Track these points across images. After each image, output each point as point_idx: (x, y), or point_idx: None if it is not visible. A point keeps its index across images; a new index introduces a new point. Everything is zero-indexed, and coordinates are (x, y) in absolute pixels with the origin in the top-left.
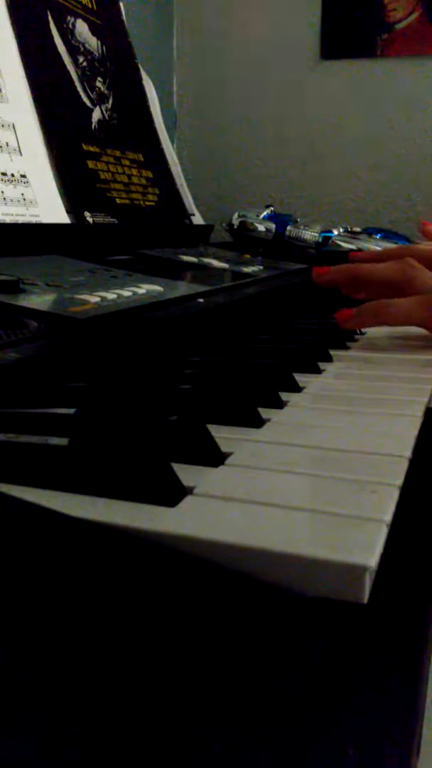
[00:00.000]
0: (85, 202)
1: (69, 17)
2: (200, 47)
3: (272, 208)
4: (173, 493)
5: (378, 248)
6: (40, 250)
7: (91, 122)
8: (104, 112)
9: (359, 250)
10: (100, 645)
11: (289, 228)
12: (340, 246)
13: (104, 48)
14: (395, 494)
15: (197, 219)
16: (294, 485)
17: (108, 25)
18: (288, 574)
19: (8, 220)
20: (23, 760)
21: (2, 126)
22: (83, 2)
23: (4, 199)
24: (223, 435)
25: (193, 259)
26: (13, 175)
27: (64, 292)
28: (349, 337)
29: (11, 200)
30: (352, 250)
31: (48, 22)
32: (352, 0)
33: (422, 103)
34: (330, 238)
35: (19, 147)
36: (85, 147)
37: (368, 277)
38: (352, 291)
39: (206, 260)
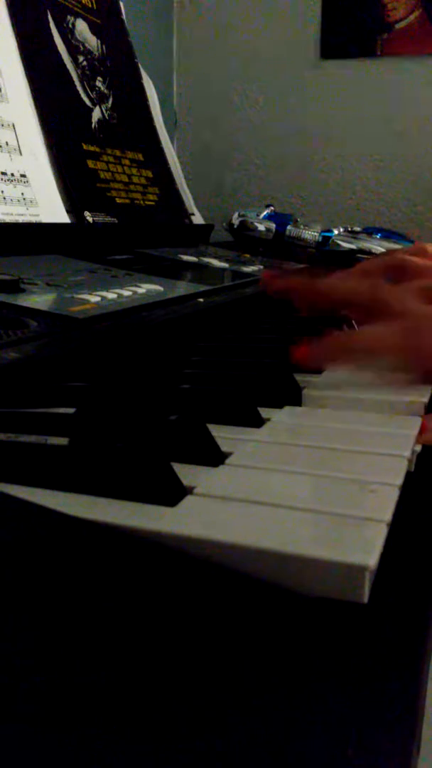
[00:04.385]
0: (85, 202)
1: (69, 17)
2: (200, 47)
3: (272, 208)
4: (173, 493)
5: (378, 248)
6: (40, 249)
7: (91, 122)
8: (104, 111)
9: (359, 249)
10: (100, 644)
11: (289, 228)
12: (340, 246)
13: (104, 47)
14: (395, 494)
15: (197, 218)
16: (294, 485)
17: (108, 24)
18: (288, 574)
19: (8, 219)
20: (18, 755)
21: (2, 126)
22: (83, 2)
23: (4, 198)
24: (223, 435)
25: (193, 259)
26: (13, 174)
27: (64, 292)
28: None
29: (11, 200)
30: (352, 249)
31: (48, 22)
32: (352, 0)
33: (422, 102)
34: (330, 237)
35: (19, 147)
36: (85, 147)
37: (328, 296)
38: (312, 311)
39: (206, 260)
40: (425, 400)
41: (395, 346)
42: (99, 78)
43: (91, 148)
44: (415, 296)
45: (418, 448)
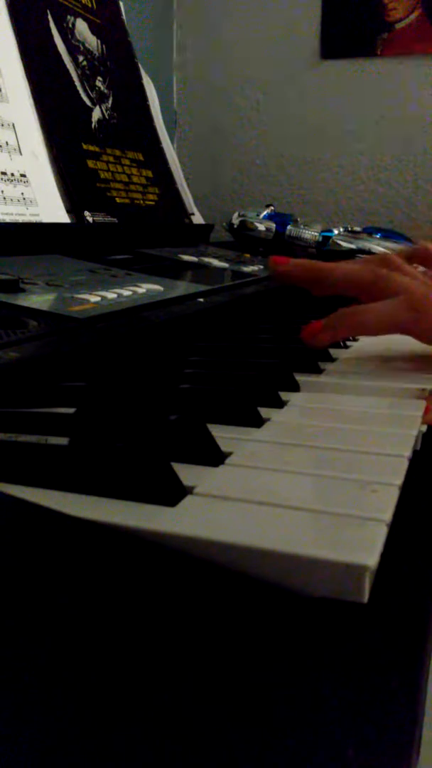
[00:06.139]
0: (85, 202)
1: (69, 17)
2: (200, 46)
3: (272, 208)
4: (173, 493)
5: (379, 248)
6: (40, 249)
7: (91, 122)
8: (104, 111)
9: (359, 249)
10: (99, 644)
11: (289, 227)
12: (340, 246)
13: (104, 47)
14: (395, 494)
15: (197, 218)
16: (294, 485)
17: (108, 24)
18: (288, 574)
19: (8, 219)
20: (21, 756)
21: (2, 126)
22: (83, 2)
23: (4, 198)
24: (223, 435)
25: (193, 259)
26: (12, 174)
27: (64, 292)
28: (349, 337)
29: (11, 199)
30: (352, 249)
31: (48, 22)
32: (352, 0)
33: (422, 102)
34: (330, 237)
35: (19, 146)
36: (85, 146)
37: (331, 276)
38: (318, 291)
39: (206, 260)
40: (424, 405)
41: (403, 321)
42: (99, 78)
43: (91, 148)
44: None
45: (424, 428)
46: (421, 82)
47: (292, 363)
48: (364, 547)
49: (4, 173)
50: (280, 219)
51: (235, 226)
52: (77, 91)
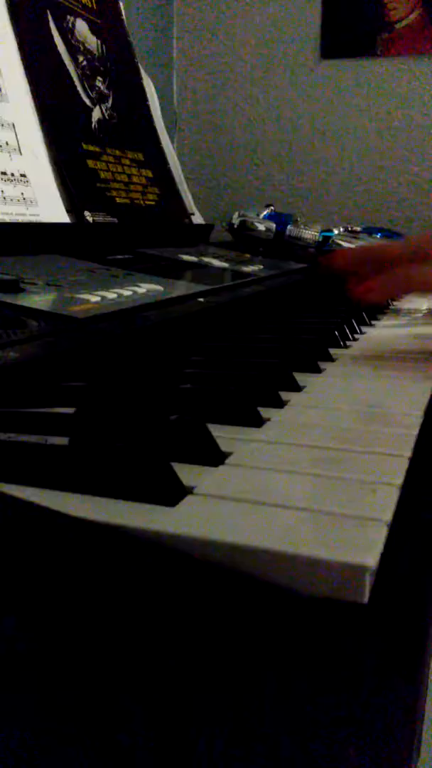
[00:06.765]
0: (85, 202)
1: (69, 17)
2: (200, 47)
3: (272, 208)
4: (173, 493)
5: None
6: (40, 249)
7: (91, 121)
8: (104, 111)
9: None
10: (99, 645)
11: (289, 227)
12: (340, 245)
13: (104, 47)
14: (395, 493)
15: (197, 218)
16: (294, 485)
17: (108, 24)
18: (288, 574)
19: (8, 219)
20: (21, 756)
21: (2, 125)
22: (83, 2)
23: (4, 198)
24: (223, 434)
25: (193, 259)
26: (12, 174)
27: (64, 292)
28: (348, 337)
29: (11, 199)
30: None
31: (48, 22)
32: (352, 0)
33: (423, 102)
34: (330, 237)
35: (18, 146)
36: (85, 146)
37: (391, 254)
38: (365, 275)
39: (206, 259)
40: (426, 399)
41: None
42: (99, 78)
43: (91, 148)
44: None
45: None
46: (421, 82)
47: (292, 363)
48: (364, 547)
49: (4, 173)
50: (280, 219)
51: (235, 226)
52: (77, 91)
